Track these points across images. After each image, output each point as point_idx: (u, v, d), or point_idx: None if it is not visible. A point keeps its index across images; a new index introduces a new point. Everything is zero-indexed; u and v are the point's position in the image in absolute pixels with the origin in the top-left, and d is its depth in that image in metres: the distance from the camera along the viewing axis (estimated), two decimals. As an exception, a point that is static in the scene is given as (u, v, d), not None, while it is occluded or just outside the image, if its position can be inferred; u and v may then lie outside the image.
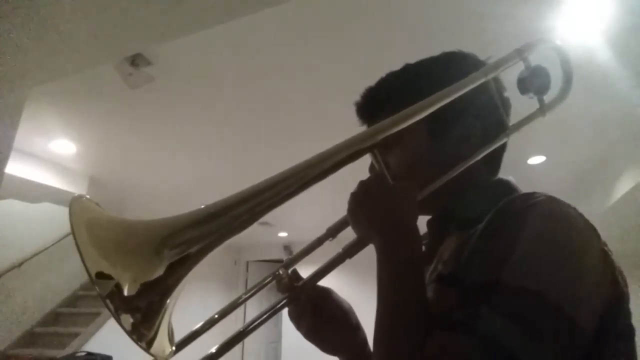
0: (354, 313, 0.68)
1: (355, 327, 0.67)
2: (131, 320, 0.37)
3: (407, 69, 0.63)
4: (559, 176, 3.49)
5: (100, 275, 0.36)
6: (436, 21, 1.85)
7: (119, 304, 0.36)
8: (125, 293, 0.37)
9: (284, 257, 6.23)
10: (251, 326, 0.57)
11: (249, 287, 0.65)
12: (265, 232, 5.53)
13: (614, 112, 2.50)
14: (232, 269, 6.74)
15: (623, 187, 3.16)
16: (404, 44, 1.93)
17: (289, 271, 0.64)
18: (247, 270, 6.88)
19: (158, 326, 0.39)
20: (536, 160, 3.24)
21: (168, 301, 0.40)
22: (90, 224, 0.40)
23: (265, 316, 0.58)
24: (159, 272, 0.39)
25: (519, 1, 1.68)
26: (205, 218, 0.43)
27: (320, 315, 0.63)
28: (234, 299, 0.65)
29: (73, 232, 0.36)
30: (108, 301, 0.36)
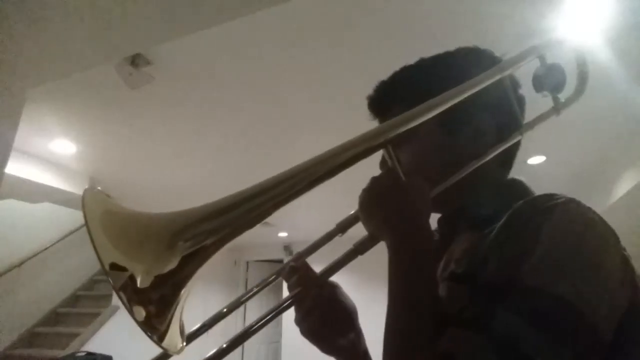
0: (357, 314, 0.66)
1: (357, 330, 0.65)
2: (144, 312, 0.36)
3: (423, 63, 0.61)
4: (559, 176, 3.49)
5: (114, 267, 0.36)
6: (436, 21, 1.85)
7: (132, 296, 0.36)
8: (139, 285, 0.36)
9: (284, 257, 6.23)
10: (256, 326, 0.56)
11: (249, 287, 0.64)
12: (265, 232, 5.52)
13: (614, 112, 2.51)
14: (232, 269, 6.74)
15: (623, 187, 3.17)
16: (404, 44, 1.93)
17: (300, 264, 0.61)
18: (247, 270, 6.88)
19: (170, 320, 0.38)
20: (536, 160, 3.24)
21: (181, 294, 0.39)
22: (104, 215, 0.39)
23: (271, 315, 0.56)
24: (173, 264, 0.38)
25: (519, 1, 1.69)
26: (219, 211, 0.42)
27: (325, 316, 0.61)
28: (240, 294, 0.63)
29: (86, 222, 0.36)
30: (121, 293, 0.35)
